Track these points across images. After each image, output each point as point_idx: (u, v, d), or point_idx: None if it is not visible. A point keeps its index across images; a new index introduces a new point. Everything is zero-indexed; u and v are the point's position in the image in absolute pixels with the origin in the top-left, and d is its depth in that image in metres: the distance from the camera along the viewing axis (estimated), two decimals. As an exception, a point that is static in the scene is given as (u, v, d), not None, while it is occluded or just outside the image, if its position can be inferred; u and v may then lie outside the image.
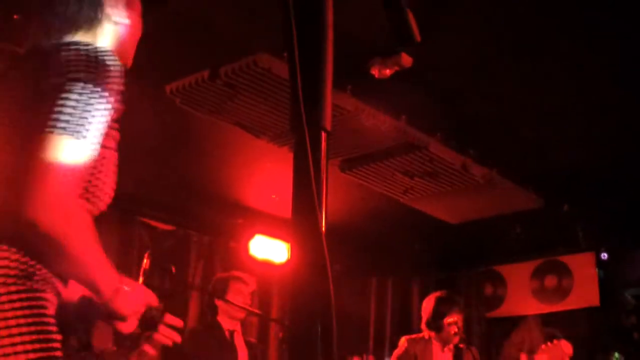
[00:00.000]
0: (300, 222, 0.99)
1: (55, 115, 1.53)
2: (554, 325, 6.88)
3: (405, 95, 4.33)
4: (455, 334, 4.66)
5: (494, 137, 4.97)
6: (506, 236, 6.64)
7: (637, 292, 6.61)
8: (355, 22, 3.25)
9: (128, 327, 1.70)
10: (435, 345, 4.76)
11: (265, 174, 5.59)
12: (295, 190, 1.01)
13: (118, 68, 1.65)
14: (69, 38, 1.73)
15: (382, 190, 5.53)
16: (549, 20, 3.69)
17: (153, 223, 6.06)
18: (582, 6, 3.54)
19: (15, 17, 1.93)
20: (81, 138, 1.54)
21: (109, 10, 1.82)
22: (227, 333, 4.71)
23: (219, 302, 4.68)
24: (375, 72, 3.93)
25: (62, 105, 1.54)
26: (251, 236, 6.24)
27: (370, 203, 6.01)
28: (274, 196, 6.02)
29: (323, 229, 0.96)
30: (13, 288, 1.52)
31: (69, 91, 1.56)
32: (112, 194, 1.76)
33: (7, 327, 1.48)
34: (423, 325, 4.86)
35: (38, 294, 1.55)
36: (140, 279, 3.67)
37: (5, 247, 1.54)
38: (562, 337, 6.43)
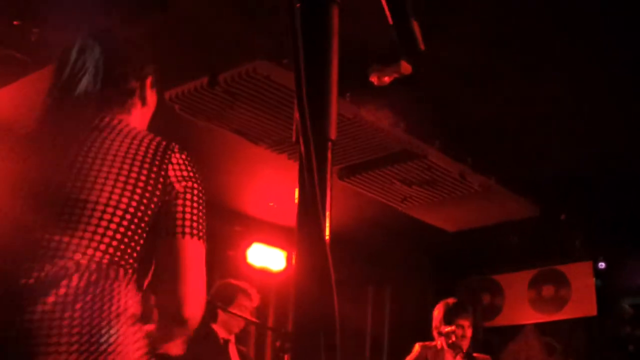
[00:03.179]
0: (304, 233, 0.99)
1: (189, 221, 1.76)
2: (552, 334, 6.88)
3: (404, 103, 4.33)
4: (463, 336, 4.68)
5: (492, 146, 4.98)
6: (504, 245, 6.65)
7: (634, 302, 6.61)
8: (355, 29, 3.24)
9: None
10: (448, 354, 4.76)
11: (263, 181, 5.58)
12: (300, 202, 1.00)
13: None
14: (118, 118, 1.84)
15: (380, 198, 5.53)
16: (548, 29, 3.70)
17: (150, 230, 6.03)
18: (581, 14, 3.55)
19: (15, 23, 1.92)
20: (204, 241, 1.78)
21: (144, 92, 1.94)
22: (221, 341, 4.68)
23: (220, 311, 4.63)
24: (374, 79, 3.92)
25: (193, 211, 1.77)
26: (249, 244, 6.22)
27: (368, 211, 6.01)
28: (271, 204, 6.01)
29: (328, 240, 0.96)
30: None
31: (197, 196, 1.79)
32: None
33: None
34: (434, 332, 4.87)
35: None
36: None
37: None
38: (560, 347, 6.45)
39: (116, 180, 1.69)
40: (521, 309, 7.12)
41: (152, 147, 1.77)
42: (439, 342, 4.81)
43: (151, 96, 1.96)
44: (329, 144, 1.06)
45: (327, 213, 1.01)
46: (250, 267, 6.19)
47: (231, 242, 6.35)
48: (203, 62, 3.98)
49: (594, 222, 6.05)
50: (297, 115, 0.96)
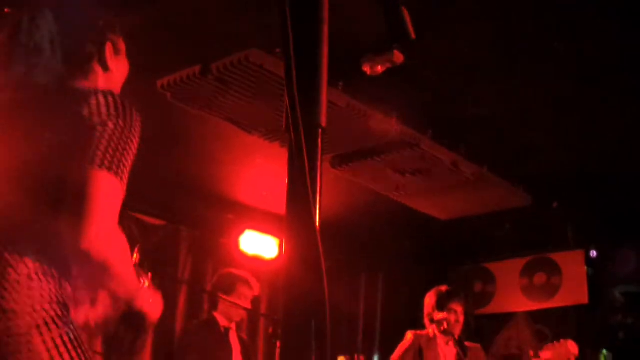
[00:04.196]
0: (294, 220, 0.99)
1: (101, 154, 1.67)
2: (543, 322, 6.92)
3: (397, 92, 4.33)
4: (456, 321, 4.71)
5: (484, 135, 4.98)
6: (496, 233, 6.67)
7: (625, 290, 6.64)
8: (348, 19, 3.25)
9: None
10: (440, 340, 4.78)
11: (256, 169, 5.58)
12: (290, 189, 1.01)
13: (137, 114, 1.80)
14: (77, 82, 1.85)
15: (373, 187, 5.54)
16: (542, 22, 3.70)
17: (143, 218, 6.04)
18: (576, 8, 3.55)
19: (6, 10, 1.91)
20: (120, 177, 1.71)
21: (104, 57, 1.92)
22: (222, 329, 4.71)
23: (221, 299, 4.67)
24: (367, 69, 3.93)
25: (107, 146, 1.69)
26: (241, 231, 6.23)
27: (361, 199, 6.02)
28: (264, 193, 6.01)
29: (318, 227, 0.96)
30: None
31: (111, 133, 1.70)
32: None
33: None
34: (426, 320, 4.89)
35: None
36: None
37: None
38: (551, 334, 6.48)
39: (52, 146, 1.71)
40: (513, 296, 7.15)
41: (91, 102, 1.73)
42: (431, 329, 4.84)
43: (113, 62, 1.94)
44: (319, 130, 1.06)
45: (318, 199, 1.01)
46: (243, 255, 6.20)
47: (224, 229, 6.36)
48: (195, 51, 3.97)
49: (586, 210, 6.08)
50: (287, 102, 0.97)
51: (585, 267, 6.74)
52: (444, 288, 4.93)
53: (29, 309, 1.59)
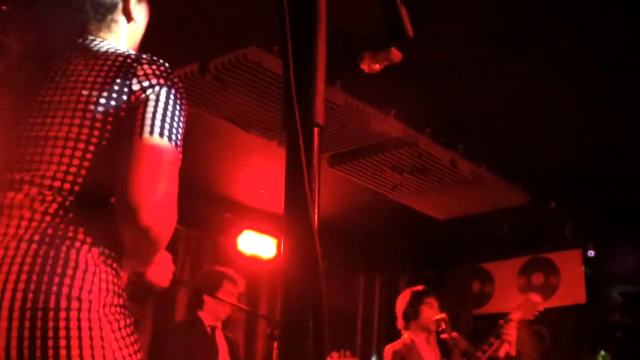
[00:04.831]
0: (292, 219, 0.99)
1: (150, 120, 1.56)
2: (541, 322, 6.91)
3: (395, 90, 4.33)
4: (435, 320, 4.65)
5: (482, 134, 4.98)
6: (494, 233, 6.67)
7: (623, 290, 6.65)
8: (345, 16, 3.24)
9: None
10: (419, 343, 4.74)
11: (254, 168, 5.58)
12: (287, 187, 1.00)
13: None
14: (100, 37, 1.75)
15: (371, 186, 5.53)
16: (540, 20, 3.70)
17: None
18: (576, 7, 3.55)
19: (4, 8, 1.90)
20: (177, 146, 1.59)
21: (129, 8, 1.84)
22: (208, 329, 4.68)
23: (207, 298, 4.65)
24: (365, 67, 3.91)
25: (163, 114, 1.58)
26: (240, 231, 6.22)
27: (359, 198, 6.02)
28: (262, 191, 6.00)
29: (316, 226, 0.95)
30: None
31: (165, 101, 1.60)
32: None
33: None
34: (400, 321, 4.82)
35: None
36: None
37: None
38: (549, 334, 6.48)
39: (75, 110, 1.58)
40: (511, 296, 7.14)
41: (116, 65, 1.63)
42: (407, 334, 4.77)
43: (138, 12, 1.86)
44: (316, 129, 1.05)
45: (315, 198, 1.01)
46: (241, 255, 6.19)
47: (222, 229, 6.35)
48: (193, 49, 3.96)
49: (584, 210, 6.08)
50: (285, 100, 0.96)
51: (583, 267, 6.74)
52: (419, 287, 4.91)
53: (96, 304, 1.48)
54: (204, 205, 6.23)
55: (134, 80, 1.60)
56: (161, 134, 1.56)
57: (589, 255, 6.75)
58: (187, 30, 3.84)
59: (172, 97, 1.62)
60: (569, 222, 6.48)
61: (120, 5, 1.81)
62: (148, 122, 1.56)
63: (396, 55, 3.76)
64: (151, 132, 1.55)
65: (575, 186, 5.64)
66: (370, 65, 4.11)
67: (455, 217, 6.21)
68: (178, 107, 1.63)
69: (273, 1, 1.00)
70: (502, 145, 5.13)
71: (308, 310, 1.02)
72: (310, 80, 1.05)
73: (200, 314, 4.69)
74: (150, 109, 1.58)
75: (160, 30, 3.70)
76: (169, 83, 1.63)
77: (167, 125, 1.57)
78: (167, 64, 1.67)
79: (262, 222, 6.24)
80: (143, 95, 1.59)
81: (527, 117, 4.74)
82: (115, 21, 1.80)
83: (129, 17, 1.83)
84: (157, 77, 1.62)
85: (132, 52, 1.69)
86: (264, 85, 4.05)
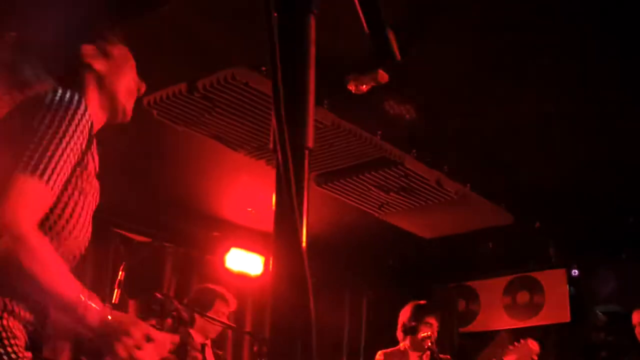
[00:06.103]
0: (282, 240, 1.01)
1: (22, 157, 1.63)
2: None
3: (382, 110, 4.37)
4: (429, 336, 4.68)
5: (467, 154, 5.02)
6: (479, 252, 6.70)
7: (607, 309, 6.68)
8: (333, 38, 3.28)
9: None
10: (413, 356, 4.77)
11: (242, 187, 5.59)
12: (277, 210, 1.02)
13: (81, 111, 1.73)
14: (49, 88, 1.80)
15: (357, 205, 5.55)
16: (527, 41, 3.74)
17: (129, 234, 6.02)
18: (561, 28, 3.60)
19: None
20: (45, 179, 1.63)
21: (88, 59, 1.92)
22: (198, 346, 4.67)
23: (197, 315, 4.64)
24: (352, 87, 3.96)
25: (27, 148, 1.64)
26: (227, 249, 6.23)
27: (345, 217, 6.03)
28: (249, 209, 6.01)
29: (305, 246, 0.98)
30: None
31: (34, 135, 1.66)
32: (87, 241, 1.83)
33: None
34: (399, 332, 4.87)
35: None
36: (116, 291, 3.65)
37: None
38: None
39: None
40: (496, 315, 7.18)
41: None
42: (403, 344, 4.82)
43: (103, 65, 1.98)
44: (306, 152, 1.08)
45: (304, 220, 1.03)
46: (228, 272, 6.19)
47: (210, 247, 6.35)
48: (182, 68, 3.98)
49: (568, 230, 6.12)
50: (274, 123, 0.98)
51: (567, 286, 6.78)
52: (421, 302, 4.95)
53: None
54: (191, 223, 6.23)
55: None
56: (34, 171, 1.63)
57: (573, 274, 6.79)
58: (176, 50, 3.86)
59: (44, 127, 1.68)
60: (552, 242, 6.52)
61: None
62: (25, 158, 1.64)
63: (383, 76, 3.81)
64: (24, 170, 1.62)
65: (559, 206, 5.69)
66: (358, 86, 4.15)
67: (441, 236, 6.23)
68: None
69: (261, 21, 1.03)
70: (487, 166, 5.17)
71: (296, 329, 1.03)
72: (301, 104, 1.07)
73: (191, 331, 4.69)
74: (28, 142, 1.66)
75: (149, 50, 3.73)
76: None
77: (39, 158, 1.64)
78: None
79: (249, 239, 6.24)
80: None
81: (512, 139, 4.79)
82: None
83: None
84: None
85: None
86: (252, 105, 4.08)
